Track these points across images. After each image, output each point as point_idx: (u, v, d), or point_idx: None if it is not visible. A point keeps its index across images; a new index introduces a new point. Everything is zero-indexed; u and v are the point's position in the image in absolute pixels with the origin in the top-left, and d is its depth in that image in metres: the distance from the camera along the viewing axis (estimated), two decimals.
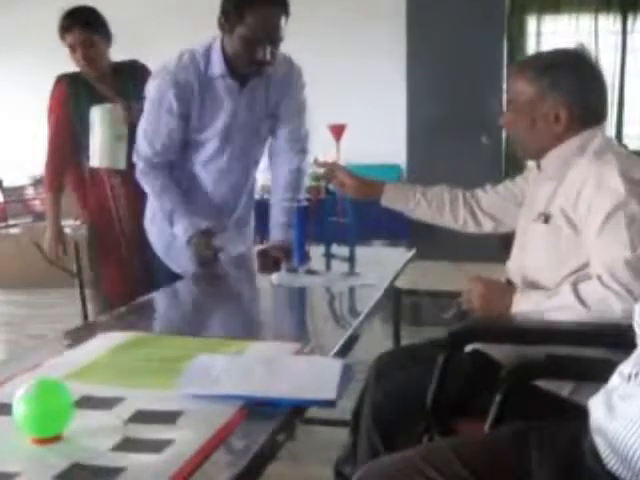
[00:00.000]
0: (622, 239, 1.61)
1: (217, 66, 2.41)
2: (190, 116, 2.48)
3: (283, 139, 2.63)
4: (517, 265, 1.89)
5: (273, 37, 2.31)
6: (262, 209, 2.81)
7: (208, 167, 2.60)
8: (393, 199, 2.23)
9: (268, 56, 2.32)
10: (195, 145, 2.57)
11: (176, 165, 2.60)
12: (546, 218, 1.77)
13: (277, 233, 2.57)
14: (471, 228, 2.19)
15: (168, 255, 2.73)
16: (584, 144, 1.76)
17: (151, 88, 2.49)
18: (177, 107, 2.43)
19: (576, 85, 1.75)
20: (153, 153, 2.53)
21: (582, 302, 1.61)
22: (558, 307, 1.66)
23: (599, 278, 1.61)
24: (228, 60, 2.40)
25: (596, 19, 5.64)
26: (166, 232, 2.66)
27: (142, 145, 2.55)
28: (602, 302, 1.59)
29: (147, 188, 2.59)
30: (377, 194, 2.22)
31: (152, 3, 5.76)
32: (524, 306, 1.74)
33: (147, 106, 2.51)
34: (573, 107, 1.75)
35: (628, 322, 1.31)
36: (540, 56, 1.92)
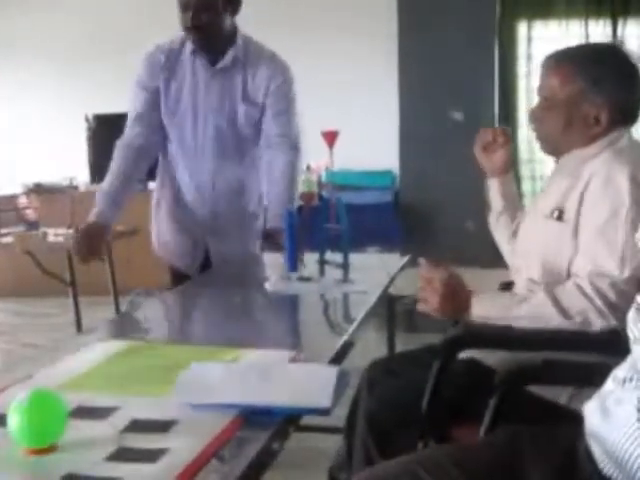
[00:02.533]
0: (614, 251, 1.58)
1: (188, 45, 2.59)
2: (158, 91, 2.62)
3: (274, 134, 2.64)
4: (523, 263, 1.84)
5: (196, 4, 2.46)
6: None
7: (183, 152, 2.68)
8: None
9: (194, 22, 2.47)
10: (172, 131, 2.66)
11: (163, 157, 2.75)
12: (560, 214, 1.70)
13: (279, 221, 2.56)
14: None
15: (166, 251, 2.77)
16: (607, 145, 1.71)
17: None
18: (144, 78, 2.64)
19: (618, 84, 1.69)
20: (128, 128, 2.68)
21: (564, 313, 1.59)
22: (532, 316, 1.63)
23: (580, 288, 1.59)
24: None
25: (586, 24, 5.66)
26: (162, 226, 2.72)
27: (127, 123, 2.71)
28: (582, 314, 1.58)
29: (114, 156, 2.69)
30: None
31: (154, 8, 5.79)
32: (488, 310, 1.70)
33: None
34: (614, 108, 1.69)
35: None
36: (580, 50, 1.81)
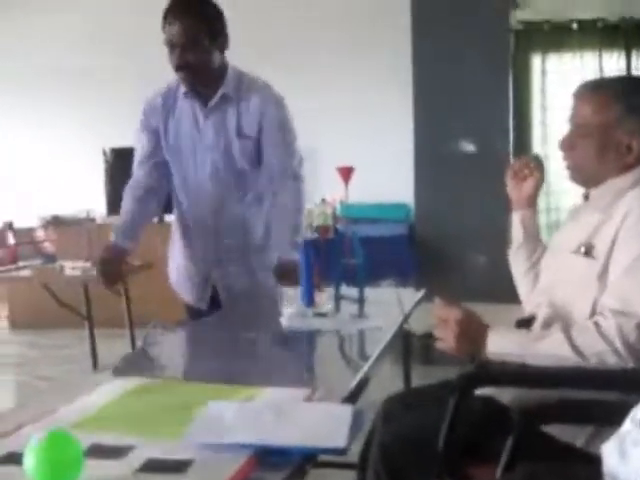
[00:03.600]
0: None
1: (182, 86, 2.63)
2: (159, 131, 2.67)
3: (275, 168, 2.66)
4: (544, 298, 1.81)
5: (186, 42, 2.50)
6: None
7: (186, 189, 2.71)
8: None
9: (180, 61, 2.52)
10: (174, 170, 2.71)
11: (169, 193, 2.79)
12: (587, 250, 1.67)
13: (288, 252, 2.59)
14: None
15: (178, 285, 2.79)
16: None
17: None
18: (144, 120, 2.70)
19: None
20: (135, 170, 2.74)
21: (579, 353, 1.57)
22: (548, 355, 1.61)
23: (600, 328, 1.56)
24: None
25: (600, 56, 5.69)
26: (175, 261, 2.74)
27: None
28: (598, 356, 1.56)
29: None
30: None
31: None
32: (503, 347, 1.68)
33: None
34: None
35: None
36: (615, 80, 1.82)
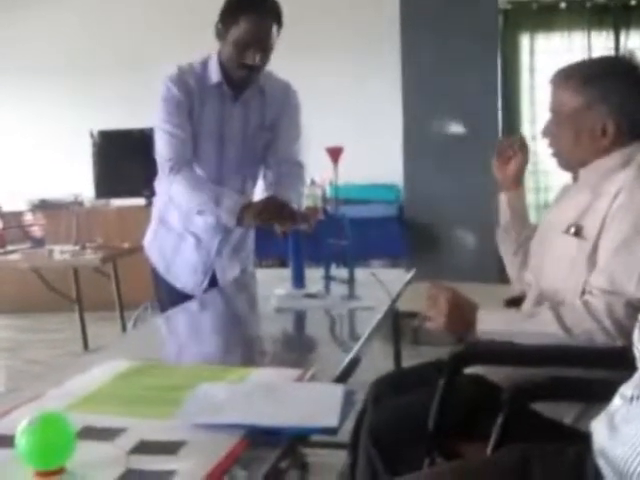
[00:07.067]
0: (633, 269, 1.57)
1: (214, 75, 2.53)
2: (192, 114, 2.54)
3: (288, 163, 2.66)
4: (534, 277, 1.83)
5: (263, 43, 2.43)
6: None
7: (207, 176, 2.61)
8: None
9: (257, 61, 2.44)
10: (195, 153, 2.59)
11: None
12: (577, 230, 1.68)
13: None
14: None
15: (169, 271, 2.74)
16: (629, 158, 1.69)
17: (160, 93, 2.54)
18: (183, 101, 2.51)
19: (625, 96, 1.67)
20: (175, 150, 2.52)
21: (568, 332, 1.59)
22: (537, 333, 1.63)
23: (589, 306, 1.58)
24: (224, 69, 2.52)
25: (589, 36, 5.69)
26: (167, 247, 2.70)
27: (163, 146, 2.54)
28: (587, 334, 1.58)
29: (180, 186, 2.52)
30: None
31: (157, 26, 5.83)
32: (492, 325, 1.71)
33: (159, 110, 2.54)
34: (621, 120, 1.67)
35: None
36: (586, 64, 1.81)
